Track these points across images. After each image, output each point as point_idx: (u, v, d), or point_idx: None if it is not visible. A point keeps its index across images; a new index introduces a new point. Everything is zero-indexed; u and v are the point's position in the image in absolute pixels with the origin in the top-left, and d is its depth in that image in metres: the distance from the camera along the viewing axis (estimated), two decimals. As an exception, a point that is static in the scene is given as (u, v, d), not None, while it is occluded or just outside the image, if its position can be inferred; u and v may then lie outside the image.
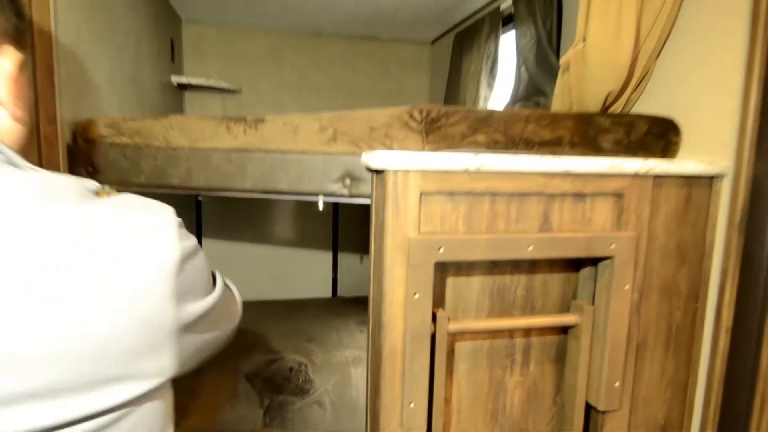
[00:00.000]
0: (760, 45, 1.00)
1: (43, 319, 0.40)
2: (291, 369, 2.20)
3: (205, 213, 3.10)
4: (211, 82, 2.75)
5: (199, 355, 0.57)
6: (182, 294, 0.50)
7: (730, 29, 1.11)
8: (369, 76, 3.27)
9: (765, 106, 1.00)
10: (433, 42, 3.29)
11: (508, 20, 2.17)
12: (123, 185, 1.23)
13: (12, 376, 0.40)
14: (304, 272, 3.39)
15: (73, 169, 1.28)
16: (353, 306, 3.19)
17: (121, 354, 0.44)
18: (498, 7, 2.18)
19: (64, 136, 1.27)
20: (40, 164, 1.22)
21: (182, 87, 2.80)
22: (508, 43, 2.19)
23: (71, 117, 1.32)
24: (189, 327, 0.52)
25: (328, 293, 3.48)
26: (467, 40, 2.43)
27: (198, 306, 0.53)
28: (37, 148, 1.17)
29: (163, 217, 0.50)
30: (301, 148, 1.16)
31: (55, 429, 0.42)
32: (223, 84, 2.82)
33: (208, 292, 0.57)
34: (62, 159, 1.26)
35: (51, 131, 1.22)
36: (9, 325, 0.39)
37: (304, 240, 3.36)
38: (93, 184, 0.50)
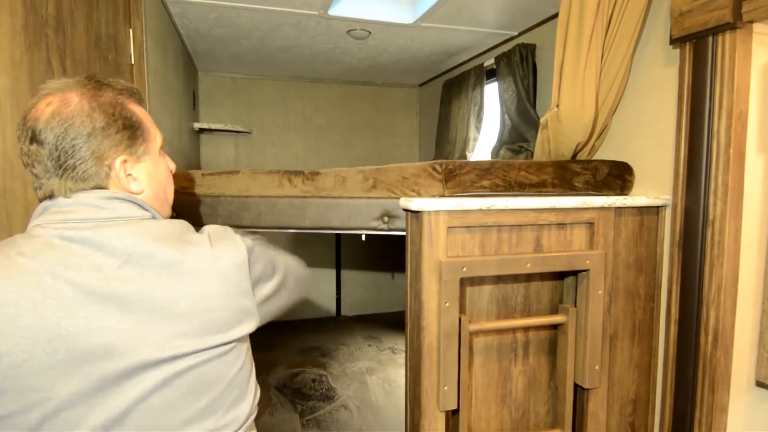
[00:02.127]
0: (685, 116, 1.39)
1: (199, 296, 0.75)
2: (313, 380, 2.48)
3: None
4: (228, 126, 3.06)
5: (274, 312, 0.93)
6: (255, 281, 0.84)
7: (664, 99, 1.51)
8: (364, 116, 3.65)
9: (690, 157, 1.39)
10: (421, 85, 3.70)
11: (491, 74, 2.57)
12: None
13: (184, 324, 0.73)
14: (311, 294, 3.68)
15: (158, 214, 1.57)
16: (357, 323, 3.49)
17: (233, 312, 0.79)
18: (482, 63, 2.59)
19: (151, 189, 1.57)
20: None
21: (200, 130, 3.10)
22: (492, 91, 2.59)
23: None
24: (263, 301, 0.87)
25: (333, 312, 3.76)
26: (455, 89, 2.82)
27: (266, 289, 0.87)
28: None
29: (233, 234, 0.86)
30: (348, 194, 1.49)
31: (204, 350, 0.75)
32: (237, 127, 3.13)
33: (272, 277, 0.90)
34: (150, 207, 1.55)
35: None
36: (184, 299, 0.74)
37: (311, 263, 3.65)
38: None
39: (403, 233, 1.43)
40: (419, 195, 1.44)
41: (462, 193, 1.45)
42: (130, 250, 0.72)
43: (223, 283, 0.77)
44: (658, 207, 1.53)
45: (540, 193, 1.53)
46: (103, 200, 0.76)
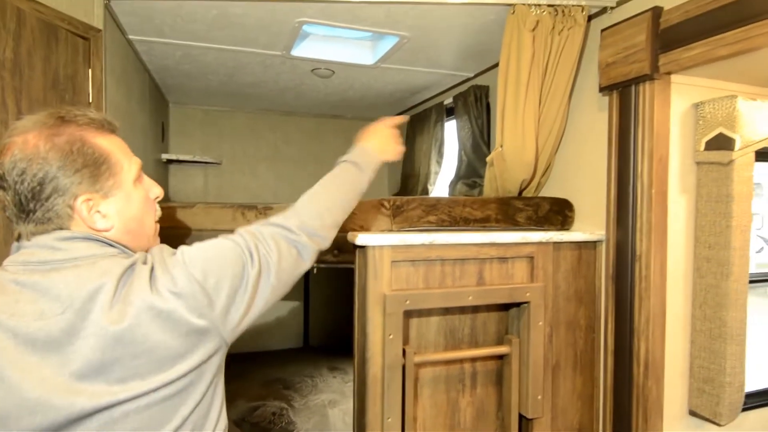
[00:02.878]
0: (613, 158, 1.50)
1: (135, 338, 0.69)
2: (274, 413, 2.46)
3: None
4: (197, 158, 3.10)
5: (261, 306, 0.86)
6: (209, 297, 0.75)
7: (598, 142, 1.62)
8: (334, 147, 3.72)
9: (619, 196, 1.49)
10: (389, 119, 3.82)
11: (450, 111, 2.69)
12: (156, 259, 1.56)
13: (122, 369, 0.68)
14: (277, 324, 3.68)
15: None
16: (324, 354, 3.47)
17: (178, 344, 0.72)
18: (442, 102, 2.72)
19: (106, 222, 1.59)
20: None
21: (168, 161, 3.13)
22: (452, 128, 2.70)
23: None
24: (226, 310, 0.78)
25: (300, 343, 3.74)
26: (419, 125, 2.94)
27: (226, 297, 0.78)
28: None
29: (168, 257, 0.77)
30: (300, 229, 1.54)
31: (145, 394, 0.70)
32: (205, 158, 3.17)
33: (238, 277, 0.80)
34: (105, 240, 1.58)
35: (99, 219, 1.54)
36: (123, 343, 0.69)
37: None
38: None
39: (353, 266, 1.48)
40: (369, 230, 1.50)
41: (409, 227, 1.52)
42: (74, 294, 0.69)
43: (160, 320, 0.71)
44: (594, 242, 1.62)
45: (484, 228, 1.60)
46: (60, 241, 0.73)
